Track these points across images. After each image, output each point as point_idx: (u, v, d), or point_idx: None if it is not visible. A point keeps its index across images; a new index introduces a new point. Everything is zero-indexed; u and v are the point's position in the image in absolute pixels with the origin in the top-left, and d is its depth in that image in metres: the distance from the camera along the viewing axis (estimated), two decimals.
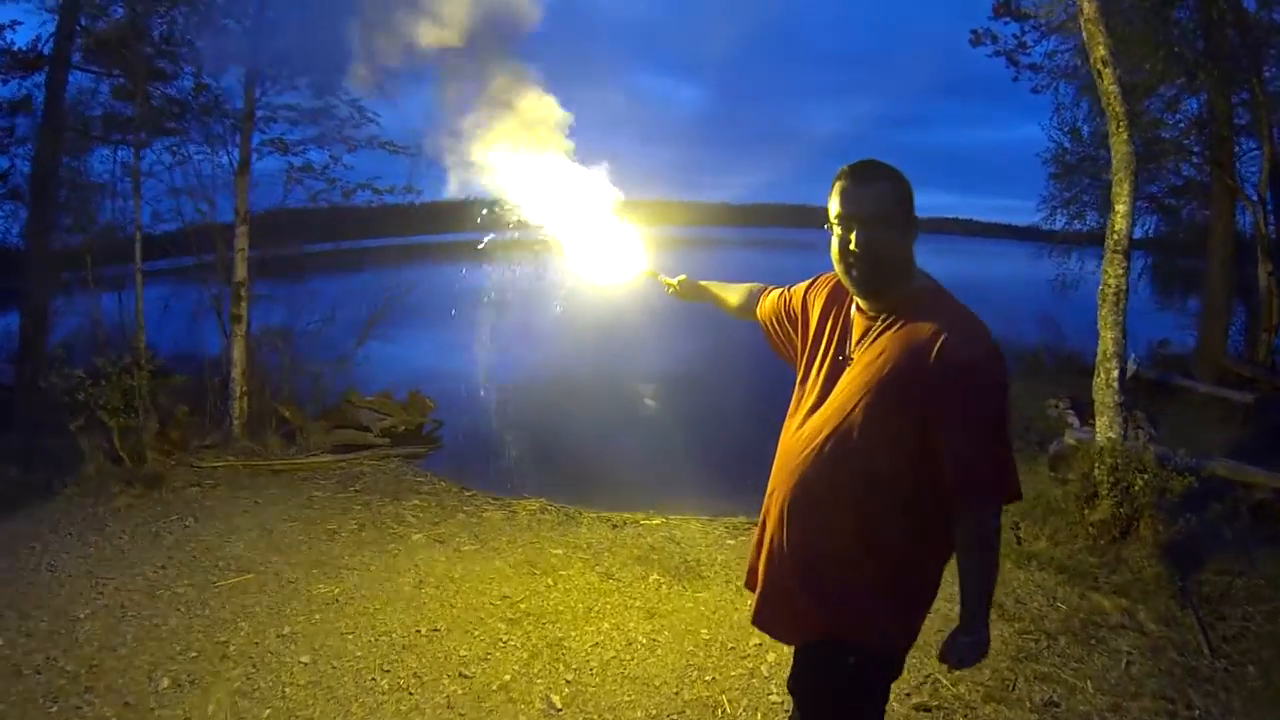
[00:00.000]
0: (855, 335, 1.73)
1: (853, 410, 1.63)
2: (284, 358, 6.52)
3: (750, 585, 1.94)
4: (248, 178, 6.21)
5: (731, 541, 4.92)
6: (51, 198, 6.53)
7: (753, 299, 2.21)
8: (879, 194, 1.63)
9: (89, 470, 5.28)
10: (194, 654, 3.57)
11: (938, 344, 1.55)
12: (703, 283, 2.42)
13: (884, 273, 1.65)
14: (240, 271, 6.16)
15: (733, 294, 2.31)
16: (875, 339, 1.66)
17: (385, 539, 4.79)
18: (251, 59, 5.79)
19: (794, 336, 1.97)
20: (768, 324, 2.09)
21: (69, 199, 6.58)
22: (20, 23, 6.52)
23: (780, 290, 2.10)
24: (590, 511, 5.48)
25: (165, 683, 3.32)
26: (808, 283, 1.99)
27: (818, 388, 1.76)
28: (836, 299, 1.83)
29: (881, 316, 1.68)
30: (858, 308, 1.75)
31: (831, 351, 1.77)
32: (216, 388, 6.24)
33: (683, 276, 2.45)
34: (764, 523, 1.86)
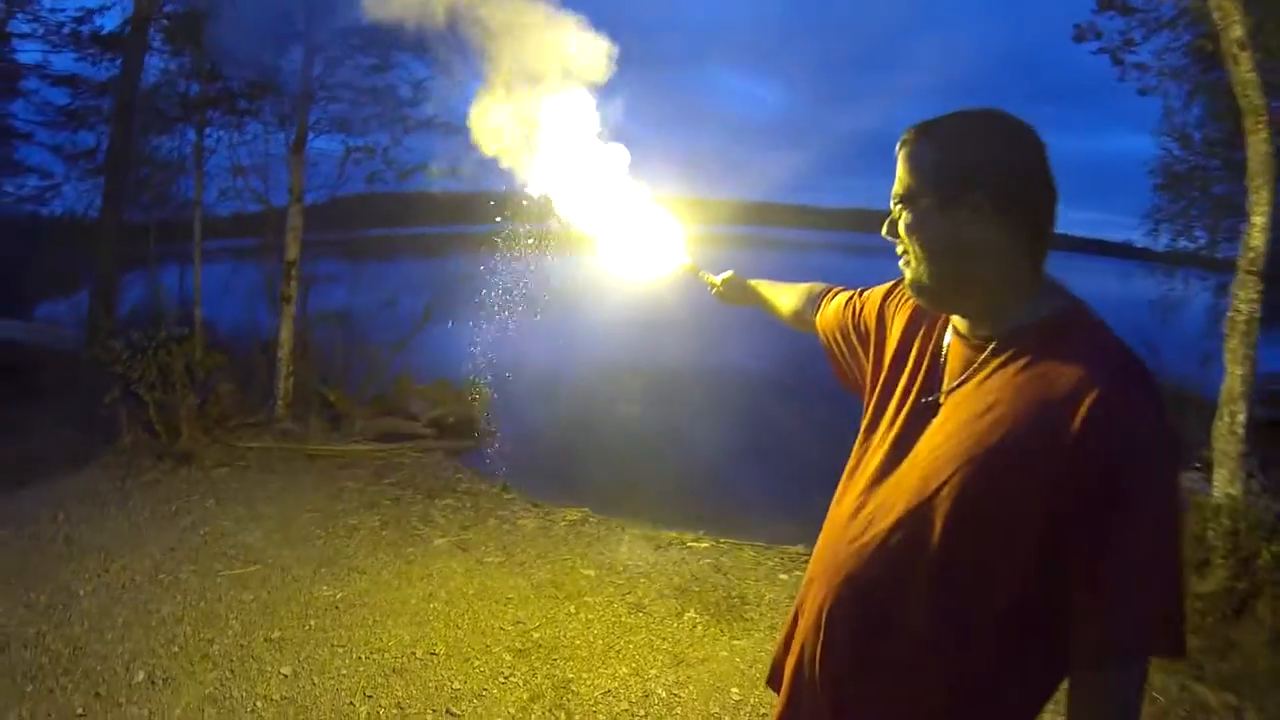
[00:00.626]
0: (951, 370, 1.15)
1: (940, 489, 1.05)
2: (336, 340, 6.32)
3: (773, 685, 1.36)
4: (303, 156, 6.06)
5: (785, 576, 4.34)
6: (125, 175, 6.58)
7: (812, 304, 1.67)
8: (938, 158, 1.09)
9: (125, 442, 5.17)
10: (176, 649, 3.31)
11: (1085, 403, 0.96)
12: (753, 282, 1.94)
13: (956, 278, 1.10)
14: (291, 251, 6.00)
15: (787, 296, 1.79)
16: (982, 379, 1.09)
17: (406, 541, 4.42)
18: (309, 35, 5.62)
19: (863, 359, 1.40)
20: (829, 338, 1.53)
21: (144, 176, 6.62)
22: (109, 7, 6.63)
23: (849, 294, 1.53)
24: (634, 527, 4.99)
25: (140, 676, 3.11)
26: (887, 286, 1.41)
27: (888, 442, 1.19)
28: (927, 314, 1.25)
29: (992, 346, 1.10)
30: (955, 330, 1.18)
31: (915, 390, 1.20)
32: (265, 367, 6.09)
33: (729, 274, 1.97)
34: (796, 617, 1.29)
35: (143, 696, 2.97)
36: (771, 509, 5.39)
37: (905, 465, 1.13)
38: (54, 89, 7.15)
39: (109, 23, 6.82)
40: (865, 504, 1.16)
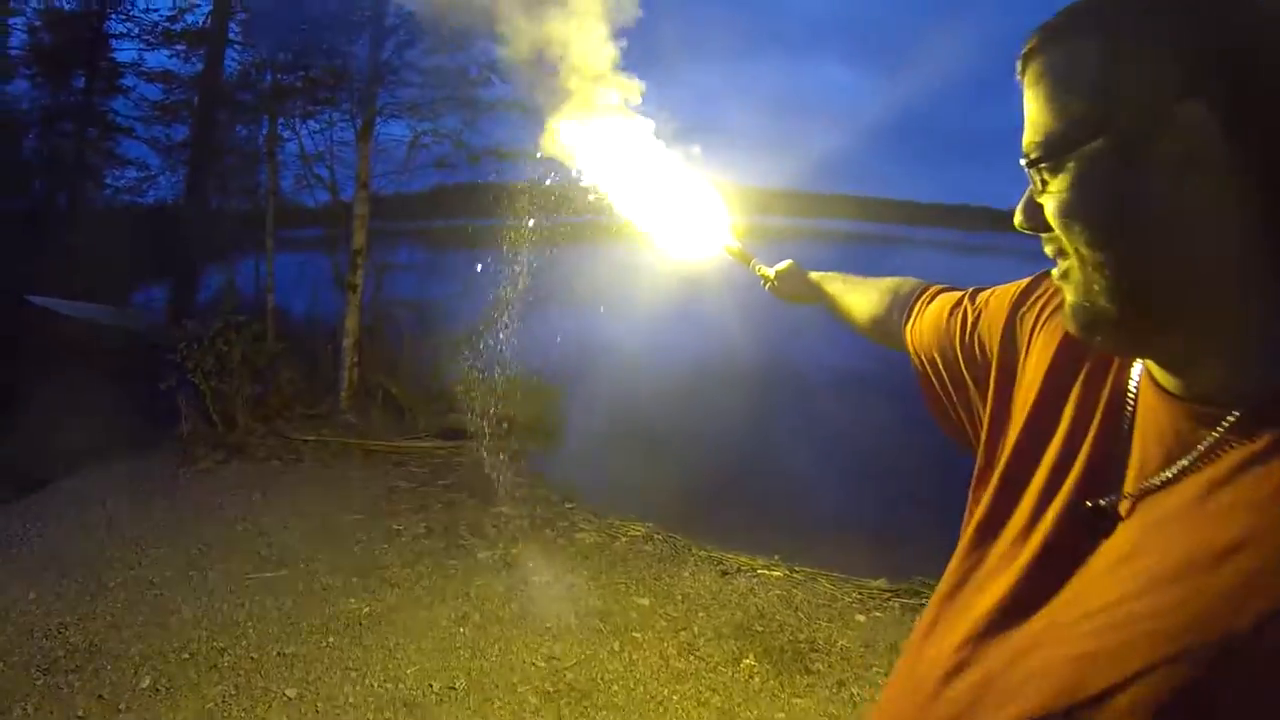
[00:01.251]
0: (1146, 451, 0.62)
1: (1114, 692, 0.51)
2: (405, 331, 6.11)
3: None
4: (370, 143, 5.90)
5: (861, 618, 3.76)
6: (206, 166, 6.66)
7: (899, 307, 1.14)
8: (1104, 58, 0.57)
9: (183, 431, 5.09)
10: (188, 655, 3.12)
11: None
12: (817, 275, 1.46)
13: (1166, 294, 0.57)
14: (358, 239, 5.83)
15: (864, 296, 1.28)
16: (1211, 483, 0.55)
17: (449, 551, 4.08)
18: (377, 19, 5.47)
19: (975, 398, 0.88)
20: (923, 359, 1.00)
21: (227, 166, 6.69)
22: (198, 5, 6.76)
23: (955, 296, 1.01)
24: (701, 548, 4.49)
25: (146, 681, 2.95)
26: (1018, 287, 0.87)
27: (1022, 561, 0.66)
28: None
29: (1232, 421, 0.56)
30: (1153, 380, 0.63)
31: (1073, 476, 0.67)
32: (329, 358, 5.94)
33: (786, 264, 1.52)
34: None
35: (143, 704, 2.81)
36: (855, 531, 4.86)
37: (1049, 616, 0.60)
38: (149, 85, 7.43)
39: (199, 20, 7.00)
40: (969, 663, 0.63)
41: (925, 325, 1.01)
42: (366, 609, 3.44)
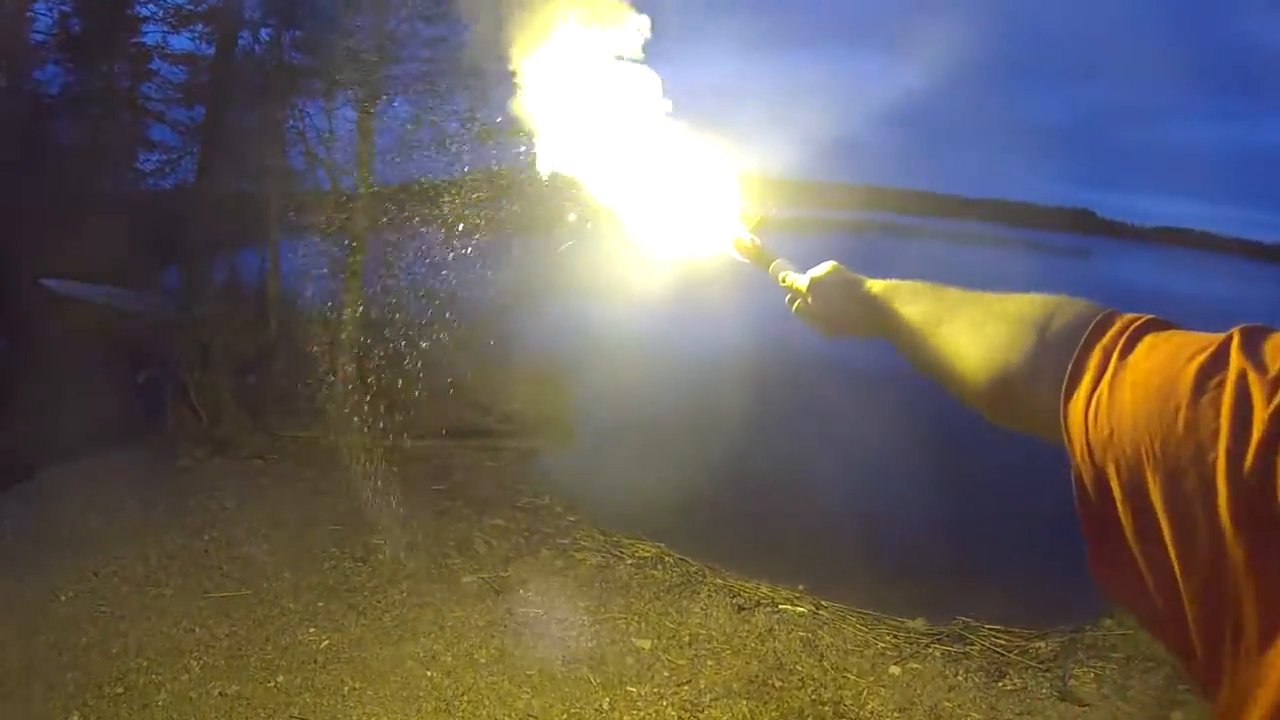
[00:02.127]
0: None
1: None
2: (410, 322, 5.74)
3: None
4: (370, 120, 5.55)
5: (897, 669, 3.34)
6: (217, 149, 6.42)
7: (1049, 355, 0.69)
8: None
9: (169, 423, 4.80)
10: (122, 690, 2.84)
11: None
12: (882, 286, 0.97)
13: None
14: (358, 224, 5.46)
15: (974, 328, 0.80)
16: None
17: (430, 573, 3.70)
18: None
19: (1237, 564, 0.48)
20: (1109, 470, 0.58)
21: (234, 150, 6.44)
22: None
23: (1196, 344, 0.57)
24: (717, 575, 4.06)
25: (75, 718, 2.66)
26: None
27: None
28: None
29: None
30: None
31: None
32: (328, 349, 5.61)
33: (828, 267, 1.05)
34: None
35: None
36: (889, 560, 4.44)
37: None
38: (172, 67, 7.27)
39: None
40: None
41: (1126, 398, 0.58)
42: (326, 641, 3.07)
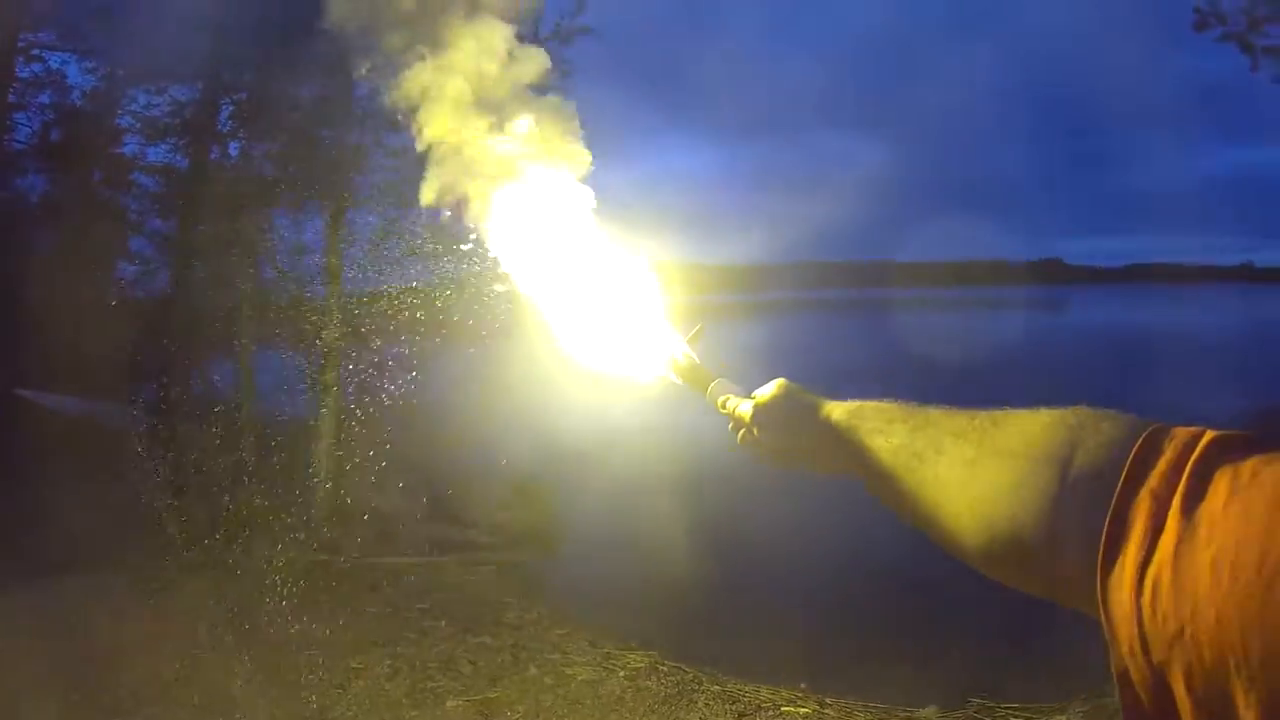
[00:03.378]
0: None
1: None
2: (387, 435, 5.73)
3: None
4: (340, 231, 5.72)
5: None
6: (191, 262, 6.57)
7: (1078, 512, 0.50)
8: None
9: (146, 543, 4.71)
10: None
11: None
12: (844, 410, 0.80)
13: None
14: (329, 336, 5.52)
15: (966, 468, 0.62)
16: None
17: (412, 699, 3.57)
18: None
19: None
20: (1176, 675, 0.41)
21: (209, 262, 6.59)
22: (196, 99, 6.81)
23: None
24: (714, 681, 3.94)
25: None
26: None
27: None
28: None
29: None
30: None
31: None
32: (304, 465, 5.56)
33: (775, 387, 0.89)
34: None
35: None
36: (891, 646, 4.37)
37: None
38: (149, 178, 7.53)
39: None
40: None
41: (1204, 578, 0.40)
42: None
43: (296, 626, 4.18)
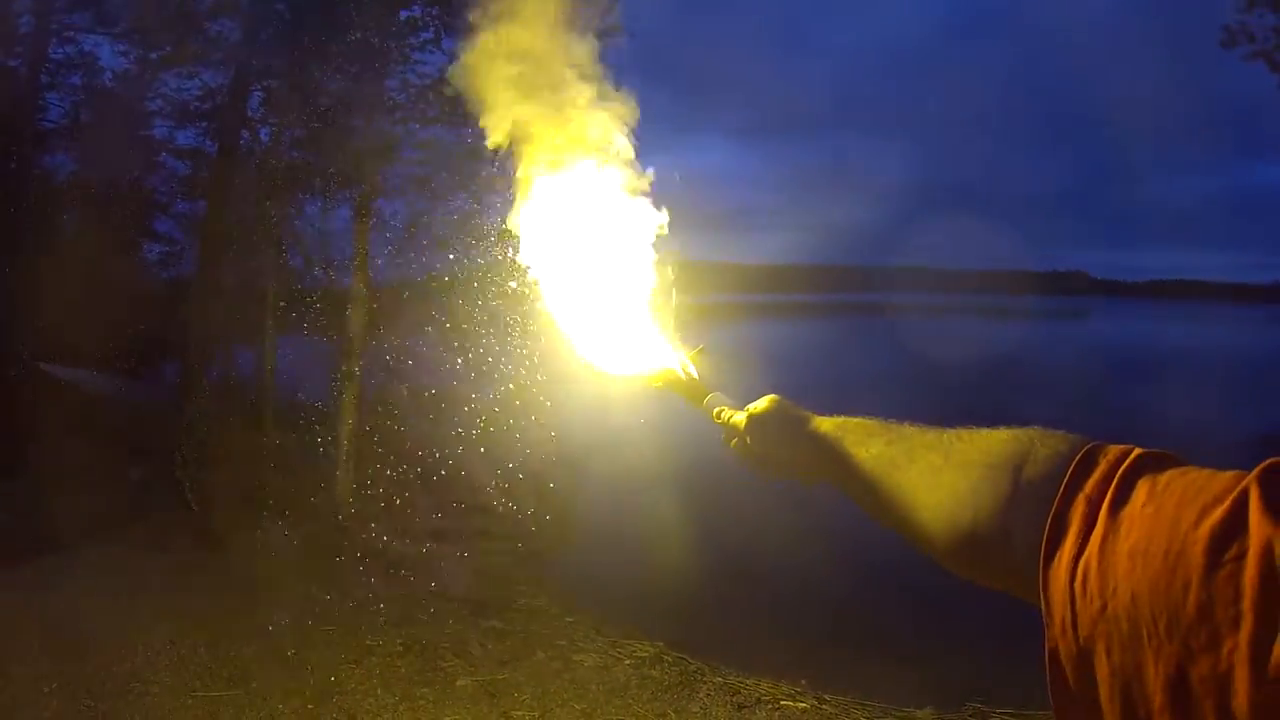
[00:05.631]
0: None
1: None
2: (408, 421, 5.83)
3: None
4: (367, 222, 5.82)
5: None
6: (220, 245, 6.68)
7: (1023, 511, 0.59)
8: None
9: (162, 517, 4.83)
10: None
11: None
12: (831, 424, 0.88)
13: None
14: (355, 323, 5.64)
15: (934, 475, 0.71)
16: None
17: (423, 677, 3.68)
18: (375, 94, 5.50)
19: None
20: (1094, 637, 0.49)
21: (237, 246, 6.70)
22: (225, 84, 6.92)
23: (1203, 481, 0.49)
24: (716, 673, 4.02)
25: None
26: None
27: None
28: None
29: None
30: None
31: None
32: (327, 448, 5.67)
33: (766, 401, 0.96)
34: None
35: None
36: (891, 645, 4.47)
37: None
38: (178, 161, 7.78)
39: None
40: None
41: (1122, 565, 0.48)
42: None
43: (309, 604, 4.31)
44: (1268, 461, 0.46)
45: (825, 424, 0.87)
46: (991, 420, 0.70)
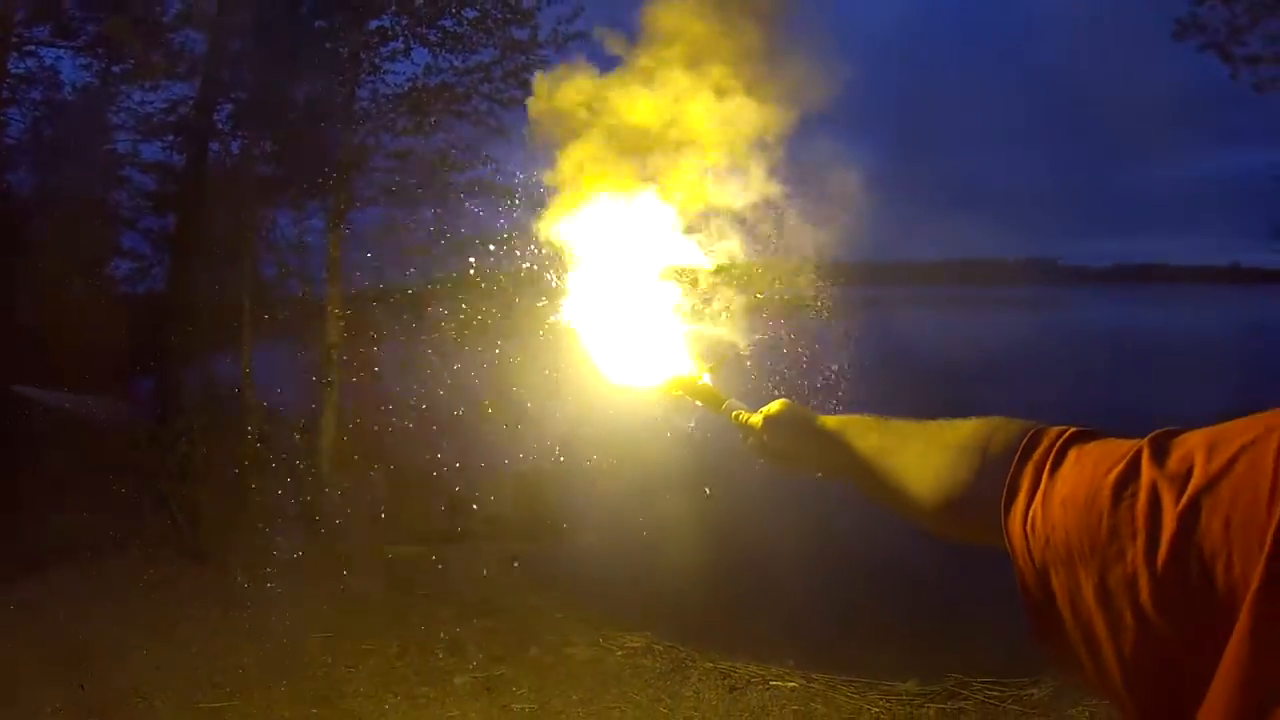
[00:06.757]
0: None
1: None
2: (389, 427, 5.90)
3: None
4: (340, 230, 5.88)
5: None
6: (190, 257, 6.65)
7: (988, 474, 0.77)
8: None
9: (147, 533, 4.87)
10: None
11: None
12: (836, 421, 1.03)
13: None
14: (331, 333, 5.68)
15: (919, 456, 0.90)
16: None
17: (421, 675, 3.78)
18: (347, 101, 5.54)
19: (1149, 646, 0.58)
20: (1047, 570, 0.66)
21: (209, 258, 6.68)
22: (191, 97, 6.86)
23: (1117, 452, 0.64)
24: (707, 658, 4.14)
25: None
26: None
27: None
28: None
29: None
30: None
31: None
32: (308, 457, 5.72)
33: (777, 405, 1.10)
34: None
35: None
36: (875, 625, 4.58)
37: None
38: (144, 175, 7.61)
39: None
40: None
41: (1057, 509, 0.65)
42: None
43: (304, 611, 4.38)
44: (1157, 431, 0.63)
45: (829, 421, 1.04)
46: (968, 411, 0.88)
